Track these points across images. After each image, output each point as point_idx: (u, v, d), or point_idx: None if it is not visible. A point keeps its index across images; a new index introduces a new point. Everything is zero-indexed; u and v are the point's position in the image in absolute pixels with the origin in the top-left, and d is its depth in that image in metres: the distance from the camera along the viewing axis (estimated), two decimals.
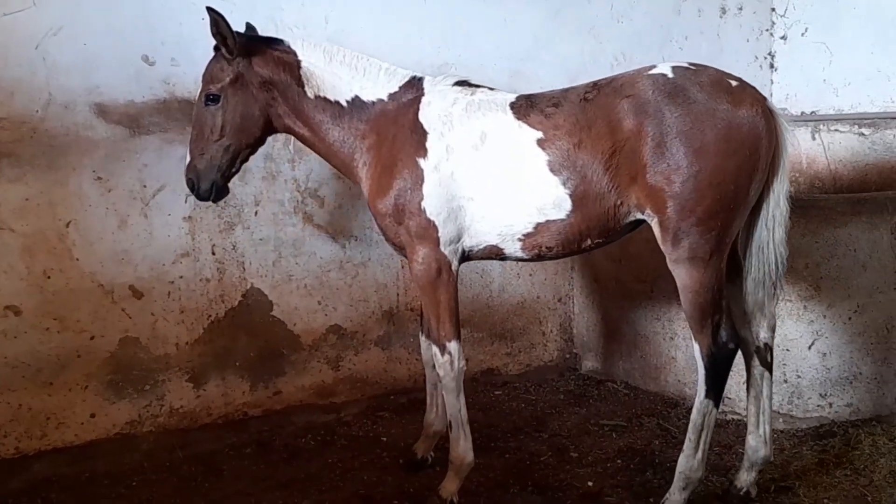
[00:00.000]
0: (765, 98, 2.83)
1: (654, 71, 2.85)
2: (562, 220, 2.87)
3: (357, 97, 3.05)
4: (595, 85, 2.92)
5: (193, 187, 3.06)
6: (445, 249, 2.96)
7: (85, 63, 3.40)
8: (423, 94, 3.05)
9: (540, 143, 2.86)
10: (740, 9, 5.12)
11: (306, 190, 3.90)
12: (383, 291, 4.13)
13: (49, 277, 3.41)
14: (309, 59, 3.04)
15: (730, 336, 2.93)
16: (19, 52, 3.28)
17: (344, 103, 3.05)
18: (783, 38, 5.19)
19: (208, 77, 3.02)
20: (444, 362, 3.00)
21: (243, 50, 2.97)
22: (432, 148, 2.94)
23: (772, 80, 5.30)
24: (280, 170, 3.84)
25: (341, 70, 3.06)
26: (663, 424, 3.89)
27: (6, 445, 3.39)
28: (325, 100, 3.04)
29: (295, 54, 3.04)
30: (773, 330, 3.04)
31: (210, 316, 3.76)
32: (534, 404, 4.20)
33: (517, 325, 4.53)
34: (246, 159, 3.14)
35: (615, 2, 4.65)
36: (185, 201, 3.63)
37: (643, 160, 2.74)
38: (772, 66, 5.28)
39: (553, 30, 4.48)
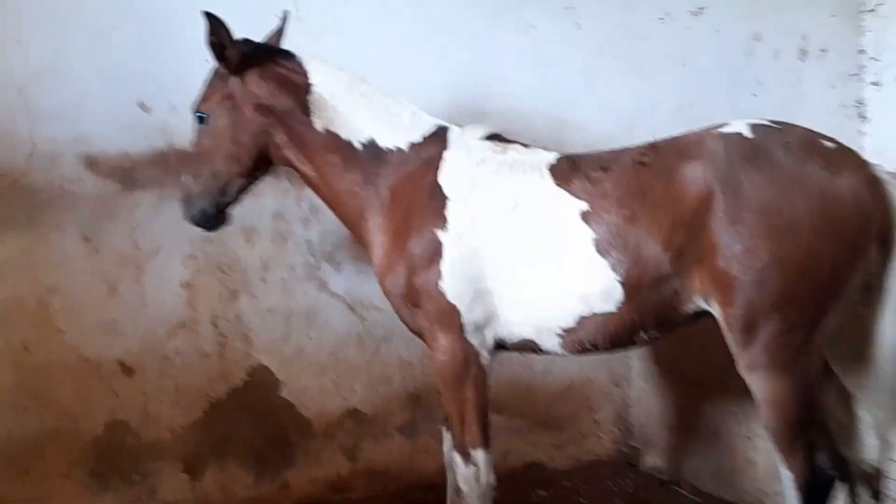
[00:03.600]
0: (868, 163, 2.26)
1: (727, 129, 2.33)
2: (611, 312, 2.34)
3: (373, 141, 2.59)
4: (653, 146, 2.41)
5: (184, 211, 2.72)
6: (472, 338, 2.47)
7: (73, 109, 3.08)
8: (445, 149, 2.57)
9: (585, 216, 2.35)
10: (824, 50, 4.53)
11: (321, 253, 3.45)
12: (408, 370, 3.61)
13: (28, 350, 3.04)
14: (322, 84, 2.60)
15: (830, 459, 2.30)
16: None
17: (357, 145, 2.59)
18: (875, 83, 4.56)
19: (201, 92, 2.66)
20: (469, 475, 2.49)
21: (241, 64, 2.56)
22: (453, 217, 2.46)
23: (860, 132, 4.66)
24: (291, 230, 3.40)
25: (360, 103, 2.61)
26: None
27: None
28: (337, 137, 2.59)
29: (305, 75, 2.60)
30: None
31: (209, 396, 3.30)
32: None
33: (564, 412, 3.93)
34: (243, 189, 2.73)
35: (675, 40, 4.13)
36: (184, 265, 3.22)
37: (712, 239, 2.20)
38: (861, 115, 4.65)
39: (600, 71, 3.98)
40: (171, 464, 3.25)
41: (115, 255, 3.14)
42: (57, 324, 3.07)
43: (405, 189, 2.55)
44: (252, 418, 3.37)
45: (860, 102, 4.66)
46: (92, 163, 3.10)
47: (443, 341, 2.47)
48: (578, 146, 3.73)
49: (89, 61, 3.09)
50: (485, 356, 2.50)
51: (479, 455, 2.50)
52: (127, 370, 3.17)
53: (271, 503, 3.40)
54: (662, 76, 4.12)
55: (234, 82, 2.59)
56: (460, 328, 2.46)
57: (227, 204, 2.71)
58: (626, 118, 3.97)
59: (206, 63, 3.18)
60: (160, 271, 3.21)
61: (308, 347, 3.45)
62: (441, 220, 2.46)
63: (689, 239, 2.23)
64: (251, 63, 2.59)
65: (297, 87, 2.59)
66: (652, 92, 4.10)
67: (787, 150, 2.22)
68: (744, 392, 3.42)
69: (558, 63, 3.88)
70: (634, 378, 4.10)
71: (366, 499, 3.53)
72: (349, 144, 2.59)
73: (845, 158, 2.24)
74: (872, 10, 4.56)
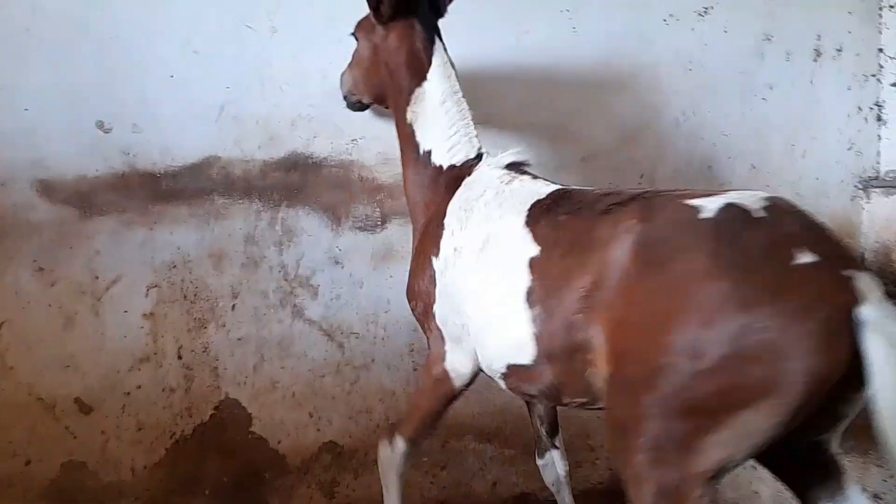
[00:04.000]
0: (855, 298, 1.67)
1: (708, 203, 1.87)
2: (527, 365, 2.16)
3: (429, 153, 2.65)
4: (635, 196, 2.07)
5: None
6: (449, 366, 2.46)
7: (27, 131, 2.84)
8: (468, 175, 2.55)
9: (531, 262, 2.13)
10: (839, 50, 4.22)
11: (296, 278, 3.21)
12: (391, 400, 3.38)
13: None
14: (432, 83, 2.63)
15: None
16: None
17: (420, 150, 2.66)
18: (894, 84, 4.25)
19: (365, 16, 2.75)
20: (384, 456, 2.64)
21: (391, 19, 2.63)
22: (443, 247, 2.44)
23: (879, 136, 4.37)
24: (264, 255, 3.16)
25: (440, 115, 2.63)
26: None
27: None
28: (413, 134, 2.67)
29: (427, 68, 2.64)
30: None
31: (174, 434, 3.08)
32: None
33: None
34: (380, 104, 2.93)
35: (681, 44, 3.83)
36: (146, 295, 2.99)
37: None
38: (879, 118, 4.35)
39: (600, 76, 3.69)
40: None
41: (72, 285, 2.92)
42: (8, 361, 2.86)
43: (430, 209, 2.57)
44: (221, 455, 3.15)
45: (879, 105, 4.36)
46: (47, 188, 2.86)
47: (431, 355, 2.53)
48: (577, 157, 3.51)
49: (46, 80, 2.85)
50: (457, 385, 2.48)
51: (399, 444, 2.59)
52: (84, 408, 2.96)
53: None
54: (668, 82, 3.83)
55: (379, 30, 2.67)
56: (443, 355, 2.47)
57: (368, 105, 3.01)
58: (629, 126, 3.70)
59: (170, 79, 2.96)
60: (121, 302, 2.98)
61: (282, 378, 3.22)
62: (436, 248, 2.47)
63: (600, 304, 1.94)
64: (399, 24, 2.63)
65: (415, 74, 2.64)
66: (657, 98, 3.82)
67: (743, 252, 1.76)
68: None
69: (556, 69, 3.60)
70: None
71: None
72: (417, 145, 2.67)
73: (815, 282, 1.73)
74: (892, 7, 4.25)
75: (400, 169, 3.28)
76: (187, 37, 3.02)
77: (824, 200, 4.29)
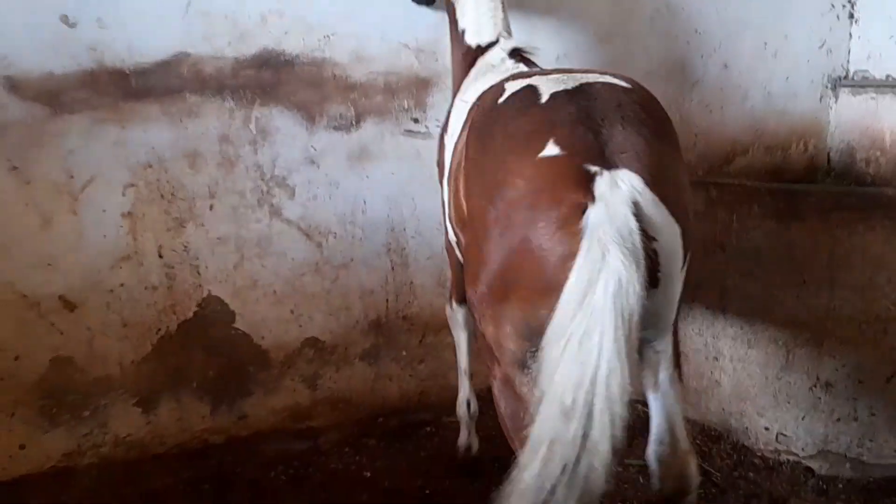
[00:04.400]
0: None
1: (516, 85, 1.98)
2: (455, 241, 2.59)
3: (463, 31, 2.91)
4: (513, 76, 2.20)
5: None
6: (450, 237, 2.79)
7: None
8: (481, 56, 2.81)
9: (455, 143, 2.41)
10: None
11: (272, 178, 3.22)
12: (369, 298, 3.47)
13: None
14: None
15: None
16: None
17: (459, 29, 2.92)
18: None
19: None
20: (448, 311, 3.12)
21: None
22: (450, 123, 2.68)
23: (850, 35, 4.39)
24: (239, 154, 3.16)
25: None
26: (703, 466, 3.21)
27: None
28: (454, 10, 2.94)
29: None
30: None
31: (159, 330, 3.16)
32: None
33: None
34: None
35: None
36: (123, 194, 3.00)
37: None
38: (851, 16, 4.37)
39: None
40: (123, 398, 3.15)
41: (48, 185, 2.90)
42: None
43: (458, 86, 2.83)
44: (206, 350, 3.24)
45: (850, 2, 4.37)
46: (13, 86, 2.79)
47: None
48: (552, 56, 3.50)
49: None
50: (457, 250, 2.67)
51: (455, 305, 3.03)
52: (69, 305, 3.00)
53: (229, 435, 3.33)
54: None
55: None
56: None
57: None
58: (604, 25, 3.70)
59: None
60: (98, 201, 2.98)
61: (262, 277, 3.29)
62: (447, 126, 2.68)
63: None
64: None
65: None
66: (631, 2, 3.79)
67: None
68: (711, 313, 3.38)
69: None
70: None
71: (327, 427, 3.47)
72: (458, 25, 2.90)
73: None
74: None
75: (373, 67, 3.29)
76: None
77: (793, 100, 4.36)
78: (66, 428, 3.08)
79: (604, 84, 1.85)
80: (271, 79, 3.13)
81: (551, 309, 1.58)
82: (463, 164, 2.03)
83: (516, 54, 2.73)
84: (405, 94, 3.35)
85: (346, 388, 3.51)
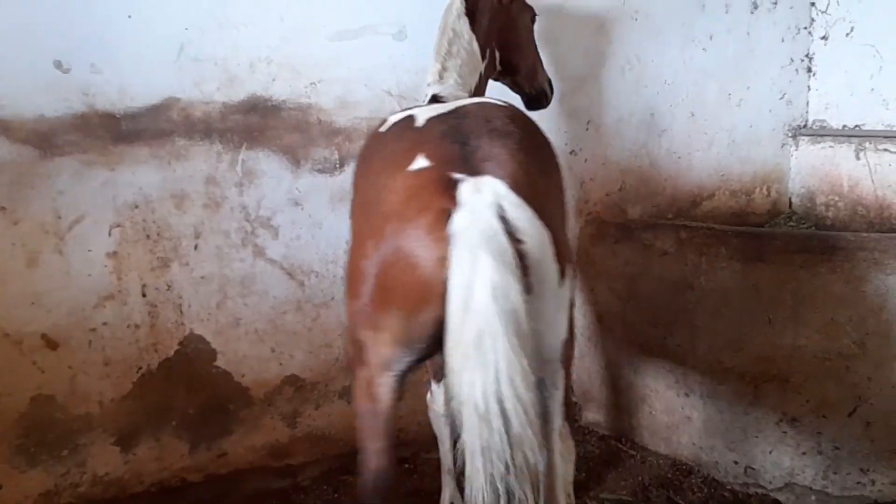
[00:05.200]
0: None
1: (399, 116, 2.18)
2: None
3: None
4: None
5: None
6: None
7: None
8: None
9: None
10: (775, 4, 4.44)
11: (257, 219, 3.30)
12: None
13: None
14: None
15: None
16: None
17: None
18: (824, 38, 4.50)
19: None
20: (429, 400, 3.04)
21: None
22: None
23: (809, 87, 4.64)
24: (225, 195, 3.24)
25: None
26: (675, 499, 3.30)
27: None
28: None
29: None
30: None
31: (140, 368, 3.19)
32: None
33: None
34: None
35: None
36: (109, 234, 3.06)
37: None
38: (809, 69, 4.61)
39: (551, 25, 3.82)
40: (102, 437, 3.15)
41: (35, 225, 2.94)
42: None
43: None
44: (186, 389, 3.27)
45: (808, 57, 4.62)
46: (6, 128, 2.85)
47: None
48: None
49: (3, 19, 2.81)
50: None
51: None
52: (51, 344, 3.02)
53: (208, 472, 3.34)
54: (616, 30, 3.99)
55: None
56: None
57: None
58: (577, 74, 3.86)
59: (128, 20, 2.97)
60: (84, 241, 3.02)
61: (245, 315, 3.34)
62: None
63: None
64: None
65: None
66: (605, 46, 3.98)
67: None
68: (683, 350, 3.50)
69: None
70: (578, 336, 4.12)
71: (306, 464, 3.50)
72: None
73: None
74: None
75: (358, 112, 3.40)
76: None
77: (756, 147, 4.56)
78: (43, 467, 3.07)
79: (476, 104, 2.01)
80: (258, 123, 3.23)
81: (430, 313, 1.68)
82: (350, 193, 2.16)
83: (434, 100, 2.69)
84: None
85: (326, 426, 3.55)
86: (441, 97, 2.70)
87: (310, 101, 3.31)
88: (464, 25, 2.84)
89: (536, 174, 1.83)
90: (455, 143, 1.81)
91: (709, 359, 3.39)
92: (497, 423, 1.59)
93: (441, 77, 2.77)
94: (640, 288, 3.68)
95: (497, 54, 3.02)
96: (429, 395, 2.96)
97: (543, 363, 1.86)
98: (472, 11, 2.86)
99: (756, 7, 4.38)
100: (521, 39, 3.12)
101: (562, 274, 1.81)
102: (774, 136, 4.61)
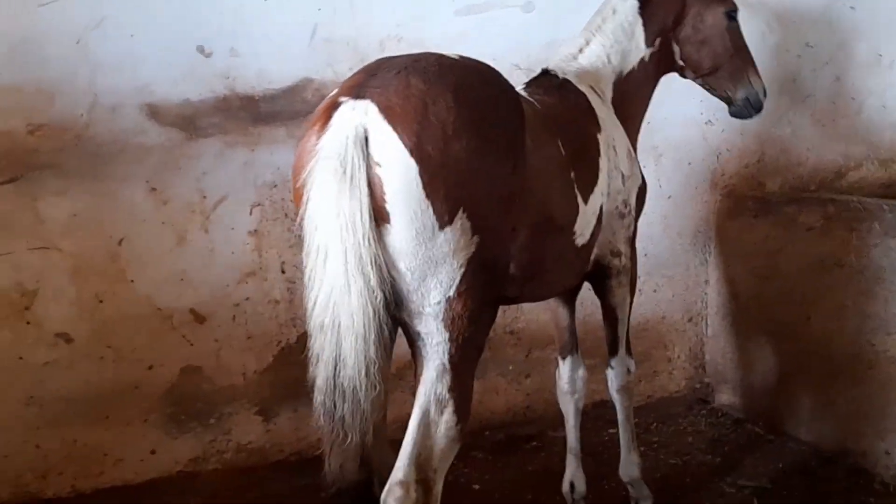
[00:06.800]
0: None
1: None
2: None
3: None
4: None
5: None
6: None
7: (132, 59, 2.95)
8: None
9: None
10: None
11: None
12: None
13: (101, 302, 3.04)
14: None
15: None
16: (58, 50, 2.86)
17: None
18: None
19: None
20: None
21: None
22: None
23: None
24: None
25: None
26: (818, 489, 3.14)
27: (62, 484, 3.09)
28: None
29: None
30: None
31: (280, 342, 3.30)
32: (655, 450, 3.52)
33: (637, 350, 3.81)
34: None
35: None
36: (250, 213, 3.16)
37: None
38: None
39: None
40: (245, 407, 3.30)
41: (182, 205, 3.09)
42: (128, 275, 3.06)
43: None
44: None
45: None
46: (154, 112, 3.00)
47: None
48: None
49: (147, 7, 2.94)
50: None
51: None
52: (199, 318, 3.18)
53: None
54: None
55: None
56: None
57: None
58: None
59: (264, 4, 3.04)
60: (227, 220, 3.15)
61: None
62: None
63: None
64: None
65: None
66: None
67: None
68: (827, 332, 3.31)
69: None
70: (711, 315, 3.97)
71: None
72: None
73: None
74: None
75: None
76: None
77: None
78: (193, 434, 3.25)
79: (454, 56, 1.95)
80: None
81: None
82: None
83: (544, 73, 2.67)
84: None
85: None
86: (551, 71, 2.63)
87: None
88: (630, 6, 2.73)
89: (437, 112, 1.73)
90: (365, 73, 1.85)
91: (859, 340, 3.19)
92: (331, 336, 1.71)
93: (581, 52, 2.70)
94: (781, 265, 3.50)
95: (676, 48, 2.83)
96: (556, 372, 2.94)
97: (413, 315, 1.83)
98: None
99: None
100: (708, 35, 2.83)
101: (442, 219, 1.73)
102: None
